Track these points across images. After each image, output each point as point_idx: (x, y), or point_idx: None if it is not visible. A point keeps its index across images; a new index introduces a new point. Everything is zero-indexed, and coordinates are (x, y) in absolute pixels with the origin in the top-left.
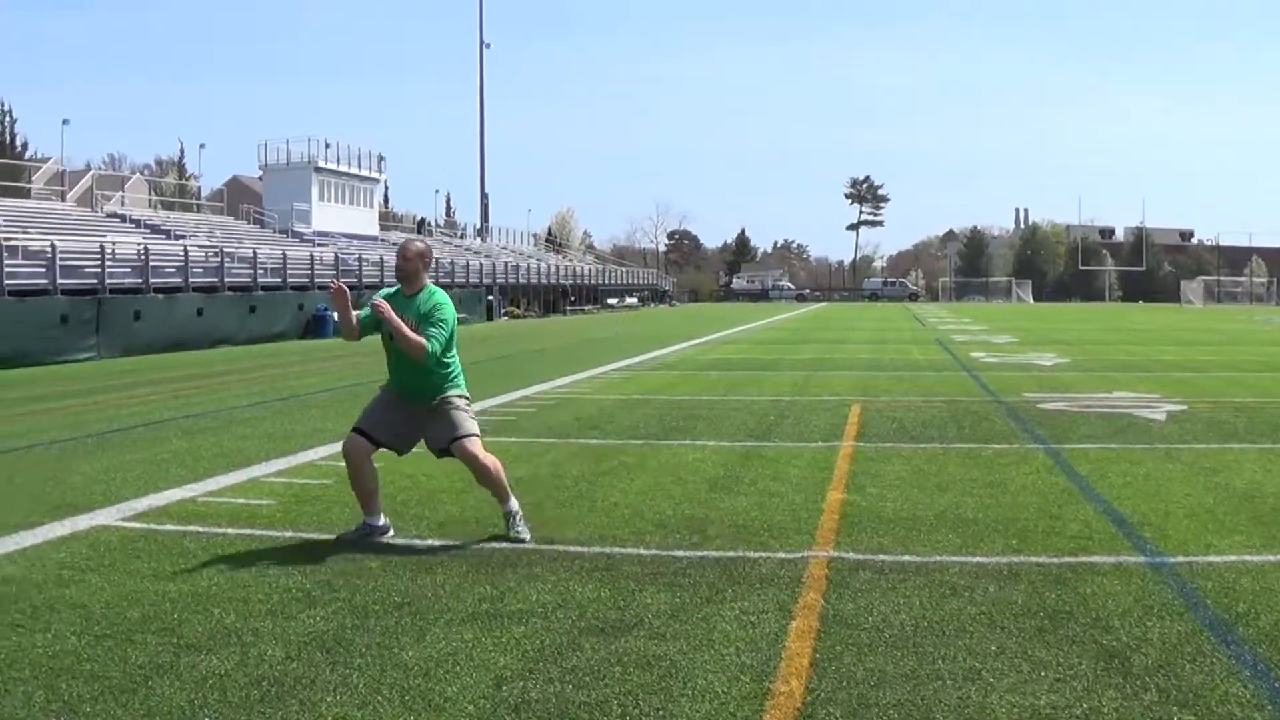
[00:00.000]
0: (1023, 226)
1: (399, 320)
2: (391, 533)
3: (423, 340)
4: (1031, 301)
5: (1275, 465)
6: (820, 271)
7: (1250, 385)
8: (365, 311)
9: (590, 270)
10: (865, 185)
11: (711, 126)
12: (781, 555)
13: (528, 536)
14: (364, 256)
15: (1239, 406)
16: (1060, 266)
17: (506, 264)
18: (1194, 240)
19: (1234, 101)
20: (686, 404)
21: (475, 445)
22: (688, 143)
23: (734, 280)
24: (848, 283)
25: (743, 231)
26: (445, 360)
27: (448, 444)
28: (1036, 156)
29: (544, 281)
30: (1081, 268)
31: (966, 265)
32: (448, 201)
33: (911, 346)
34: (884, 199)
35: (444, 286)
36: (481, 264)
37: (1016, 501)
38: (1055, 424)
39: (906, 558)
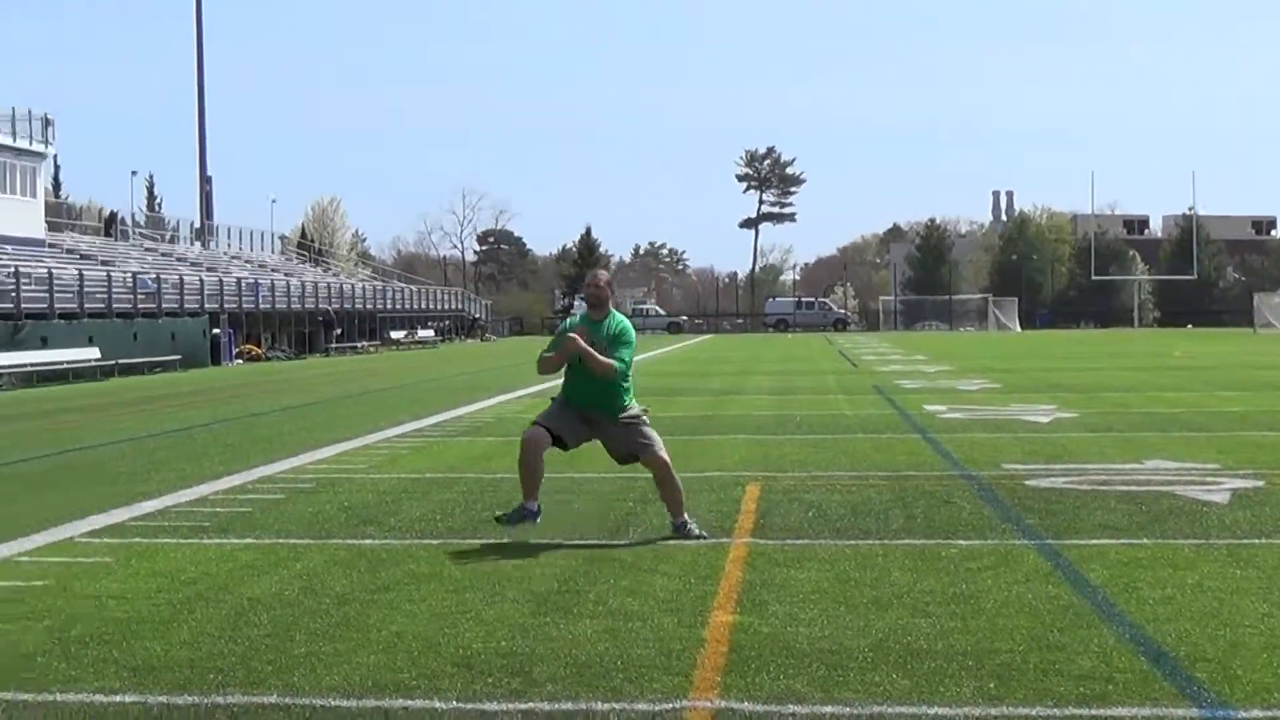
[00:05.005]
0: (1005, 218)
1: (592, 350)
2: (539, 518)
3: (614, 364)
4: (1018, 328)
5: None
6: (704, 289)
7: None
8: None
9: (366, 290)
10: (768, 162)
11: (538, 83)
12: (642, 707)
13: (706, 535)
14: (23, 270)
15: None
16: (1062, 276)
17: (240, 281)
18: (1276, 233)
19: None
20: (506, 485)
21: (666, 455)
22: (503, 105)
23: (576, 302)
24: (744, 305)
25: (588, 232)
26: (626, 378)
27: (641, 453)
28: (1024, 115)
29: (296, 306)
30: (1095, 277)
31: (920, 277)
32: (150, 188)
33: (837, 397)
34: (796, 181)
35: (148, 315)
36: (202, 280)
37: (995, 625)
38: (1054, 509)
39: (829, 709)
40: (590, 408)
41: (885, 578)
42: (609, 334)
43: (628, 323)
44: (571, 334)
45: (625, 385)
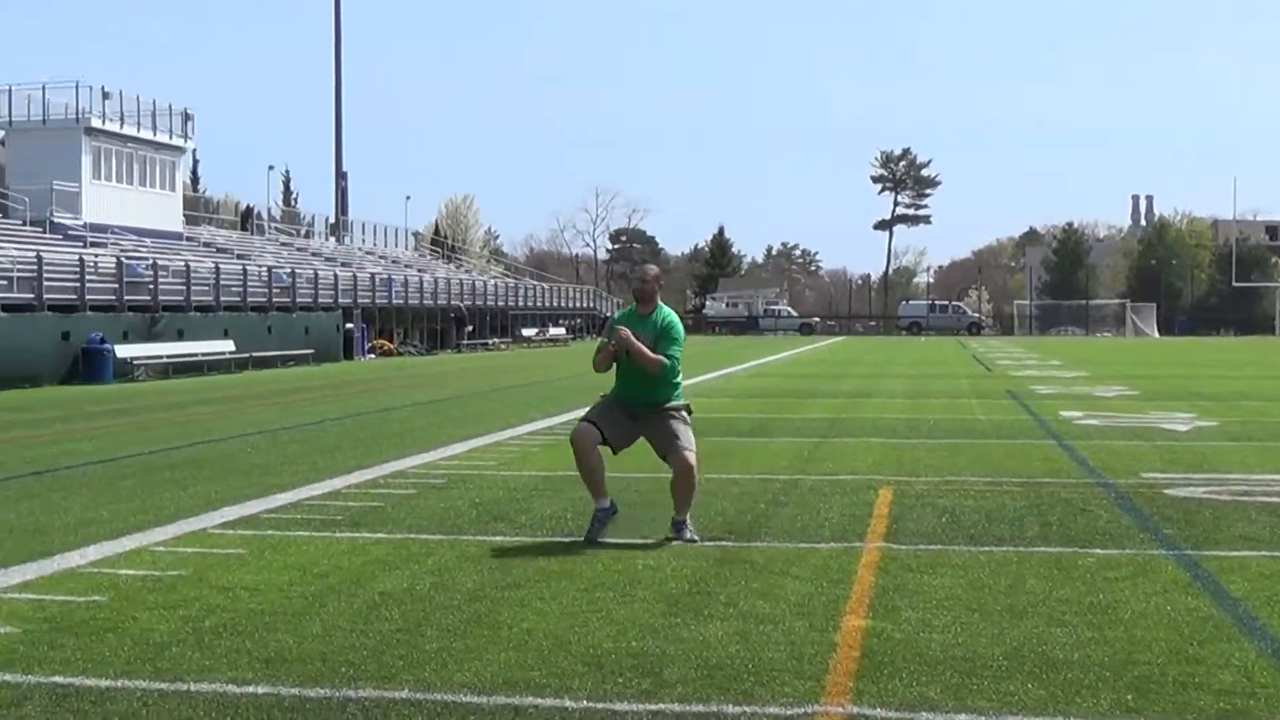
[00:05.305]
0: (1144, 223)
1: (641, 346)
2: (617, 512)
3: (661, 359)
4: (1156, 335)
5: None
6: (836, 290)
7: None
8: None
9: (497, 286)
10: (903, 163)
11: (673, 82)
12: (774, 710)
13: (698, 539)
14: (161, 263)
15: None
16: (1202, 283)
17: (374, 276)
18: None
19: None
20: (637, 483)
21: (693, 459)
22: (638, 104)
23: (708, 302)
24: (876, 307)
25: (721, 232)
26: (675, 372)
27: (669, 449)
28: (1164, 118)
29: (429, 302)
30: (1236, 284)
31: (1057, 281)
32: (286, 183)
33: (971, 401)
34: (931, 183)
35: (282, 309)
36: (337, 276)
37: (1133, 636)
38: (1193, 519)
39: (962, 717)
40: (638, 404)
41: (1020, 586)
42: (656, 329)
43: (675, 318)
44: (621, 327)
45: (675, 381)
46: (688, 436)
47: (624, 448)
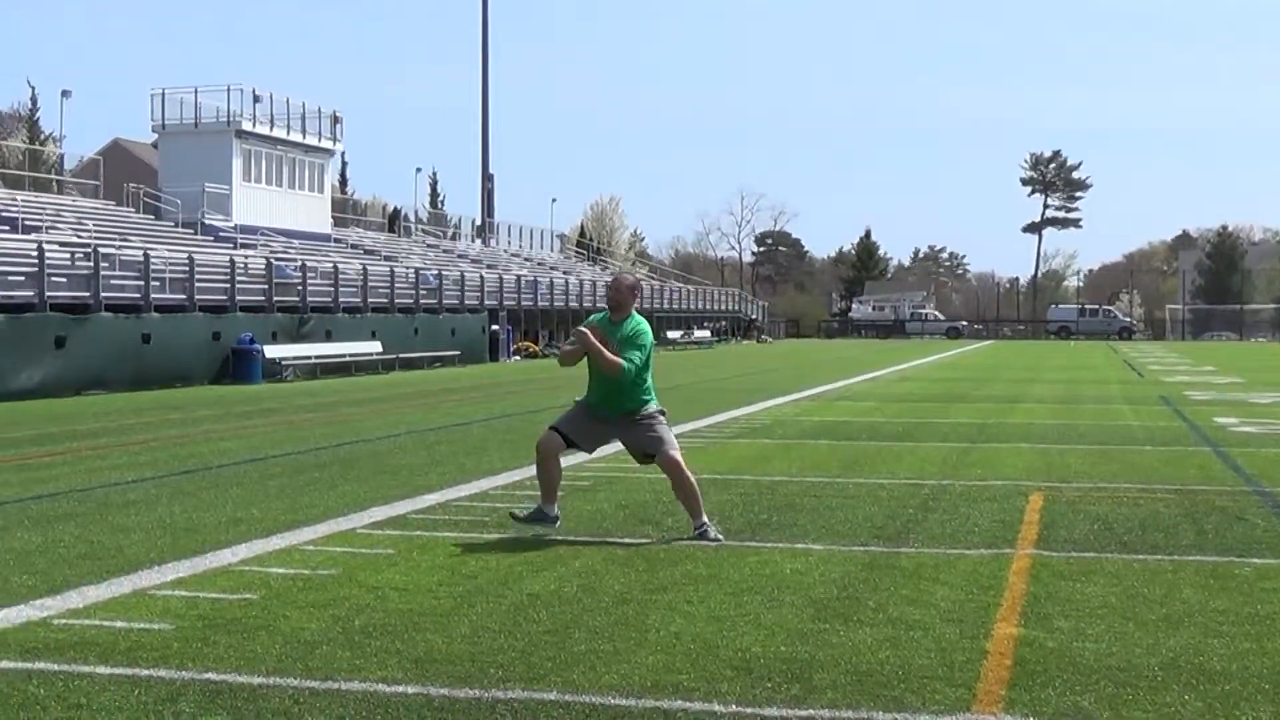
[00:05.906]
0: None
1: (600, 346)
2: (559, 524)
3: (621, 362)
4: None
5: None
6: (984, 294)
7: None
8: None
9: (643, 289)
10: (1053, 166)
11: (819, 83)
12: (925, 718)
13: (722, 538)
14: (310, 264)
15: None
16: None
17: (519, 278)
18: None
19: None
20: (784, 487)
21: (678, 455)
22: (784, 106)
23: (854, 305)
24: (1025, 311)
25: (867, 234)
26: (642, 380)
27: (655, 452)
28: None
29: (574, 304)
30: None
31: (1210, 285)
32: (433, 185)
33: (1123, 407)
34: (1082, 186)
35: (429, 310)
36: (483, 277)
37: None
38: None
39: None
40: (606, 408)
41: (1175, 595)
42: (623, 335)
43: (645, 326)
44: (584, 329)
45: (643, 386)
46: (669, 438)
47: (594, 449)
